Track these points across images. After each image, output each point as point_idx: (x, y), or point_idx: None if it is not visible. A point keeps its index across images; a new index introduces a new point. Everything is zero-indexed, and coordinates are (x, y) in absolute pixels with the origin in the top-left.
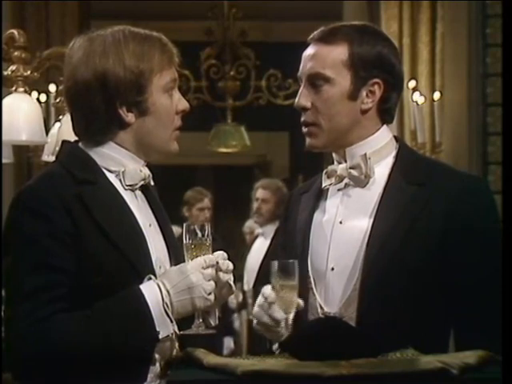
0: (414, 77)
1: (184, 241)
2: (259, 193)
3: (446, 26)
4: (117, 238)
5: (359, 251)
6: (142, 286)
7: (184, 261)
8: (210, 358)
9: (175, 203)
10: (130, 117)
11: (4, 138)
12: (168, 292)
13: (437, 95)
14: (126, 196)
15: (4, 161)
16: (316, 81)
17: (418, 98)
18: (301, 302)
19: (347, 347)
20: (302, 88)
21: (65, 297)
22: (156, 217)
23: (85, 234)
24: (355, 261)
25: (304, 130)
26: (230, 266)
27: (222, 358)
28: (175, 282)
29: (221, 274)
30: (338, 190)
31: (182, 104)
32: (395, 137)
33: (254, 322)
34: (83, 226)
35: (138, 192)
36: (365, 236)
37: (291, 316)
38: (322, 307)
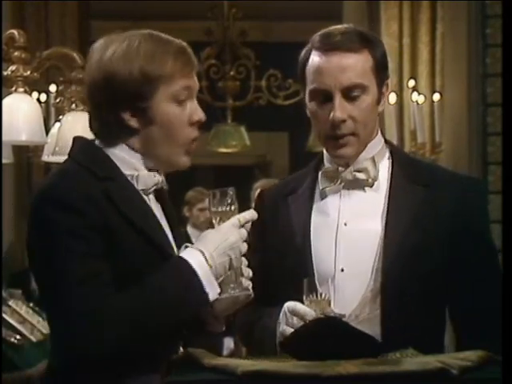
0: (413, 77)
1: (211, 208)
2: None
3: (446, 26)
4: (146, 230)
5: (372, 253)
6: (183, 255)
7: None
8: (209, 358)
9: (175, 203)
10: (133, 122)
11: (4, 138)
12: (211, 255)
13: (436, 96)
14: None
15: (4, 161)
16: (353, 91)
17: (417, 97)
18: (336, 311)
19: (347, 347)
20: (336, 101)
21: (111, 283)
22: (168, 221)
23: (112, 226)
24: (368, 263)
25: (338, 141)
26: (251, 273)
27: (222, 358)
28: (216, 243)
29: (242, 280)
30: (336, 191)
31: (198, 115)
32: (384, 138)
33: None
34: (110, 218)
35: (151, 196)
36: (378, 238)
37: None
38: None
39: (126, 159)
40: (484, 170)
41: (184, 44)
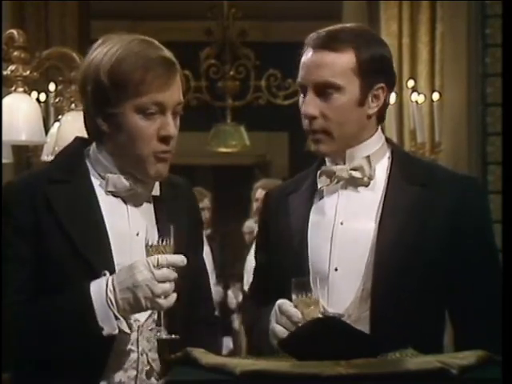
0: (413, 77)
1: (144, 242)
2: (259, 193)
3: (446, 26)
4: (76, 240)
5: (365, 253)
6: (92, 282)
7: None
8: (209, 358)
9: None
10: (105, 127)
11: (4, 138)
12: (114, 288)
13: (436, 95)
14: (106, 201)
15: (4, 161)
16: (325, 89)
17: (417, 97)
18: (330, 310)
19: (347, 347)
20: (308, 96)
21: (24, 289)
22: (159, 228)
23: (46, 232)
24: (361, 262)
25: (312, 136)
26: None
27: (221, 358)
28: (122, 278)
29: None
30: (334, 190)
31: (166, 130)
32: (386, 138)
33: (275, 342)
34: (45, 225)
35: (137, 200)
36: (371, 238)
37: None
38: (324, 308)
39: (100, 160)
40: (484, 170)
41: (167, 56)
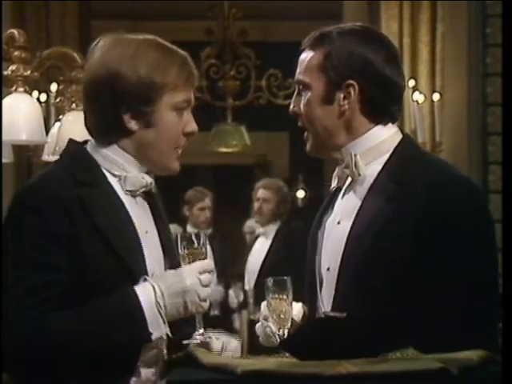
0: (414, 77)
1: (179, 250)
2: (260, 193)
3: (446, 26)
4: (113, 241)
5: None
6: (136, 287)
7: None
8: (210, 358)
9: (175, 203)
10: (132, 124)
11: (4, 137)
12: (162, 293)
13: (436, 95)
14: (126, 201)
15: (4, 161)
16: (300, 87)
17: (418, 97)
18: (296, 317)
19: (347, 347)
20: (294, 94)
21: (59, 296)
22: (156, 224)
23: (82, 235)
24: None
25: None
26: (212, 265)
27: (222, 358)
28: (170, 283)
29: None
30: (343, 190)
31: (191, 126)
32: (404, 135)
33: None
34: (81, 227)
35: (139, 198)
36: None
37: (285, 331)
38: (323, 308)
39: (117, 160)
40: (484, 170)
41: (188, 57)
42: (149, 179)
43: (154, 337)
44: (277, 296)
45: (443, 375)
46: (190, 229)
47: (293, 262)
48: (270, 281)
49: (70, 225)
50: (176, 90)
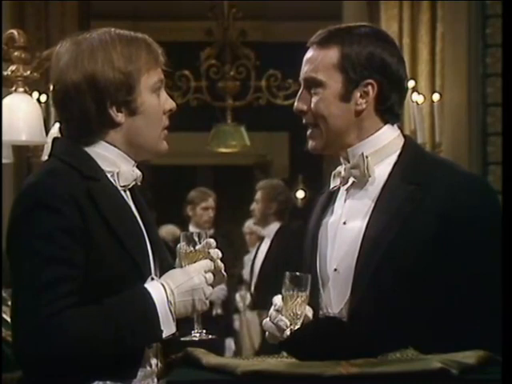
0: (413, 77)
1: (181, 248)
2: (256, 194)
3: (446, 27)
4: (122, 235)
5: (355, 252)
6: (147, 285)
7: (169, 263)
8: (209, 358)
9: (175, 203)
10: (120, 117)
11: (4, 138)
12: (172, 291)
13: (436, 96)
14: (126, 197)
15: (4, 161)
16: (311, 84)
17: (417, 97)
18: (310, 314)
19: (347, 347)
20: (300, 91)
21: (75, 291)
22: (141, 217)
23: (92, 229)
24: (353, 261)
25: (307, 132)
26: (220, 253)
27: (222, 358)
28: (179, 282)
29: (219, 262)
30: (345, 190)
31: (169, 104)
32: (405, 136)
33: (264, 326)
34: (91, 221)
35: (127, 192)
36: (360, 237)
37: (297, 326)
38: (326, 308)
39: (107, 156)
40: (484, 170)
41: (148, 38)
42: (138, 172)
43: (164, 334)
44: (292, 292)
45: (443, 375)
46: (192, 229)
47: (292, 263)
48: (287, 276)
49: (81, 219)
50: (149, 72)
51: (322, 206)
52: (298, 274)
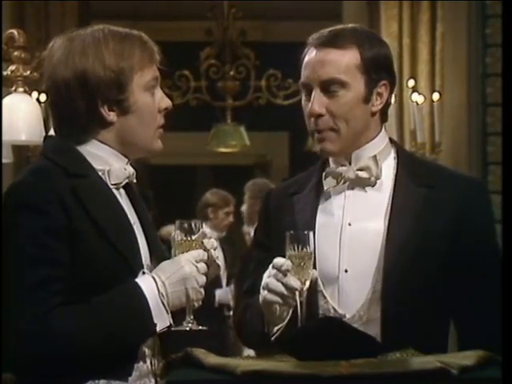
0: (413, 77)
1: (176, 237)
2: (244, 196)
3: (446, 27)
4: (110, 233)
5: (375, 254)
6: (138, 280)
7: (168, 259)
8: (209, 358)
9: (176, 203)
10: (111, 116)
11: (4, 137)
12: (163, 283)
13: (436, 95)
14: (117, 194)
15: (4, 161)
16: (331, 86)
17: (417, 97)
18: (315, 272)
19: (347, 347)
20: (313, 94)
21: (62, 291)
22: (138, 215)
23: (79, 228)
24: (372, 264)
25: (318, 135)
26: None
27: (222, 358)
28: (169, 273)
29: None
30: (340, 191)
31: (165, 102)
32: (390, 138)
33: (265, 293)
34: (77, 220)
35: (122, 190)
36: (380, 239)
37: (306, 285)
38: (335, 309)
39: (98, 155)
40: (484, 170)
41: (144, 35)
42: (131, 170)
43: (158, 328)
44: (296, 250)
45: (443, 375)
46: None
47: None
48: (287, 235)
49: (66, 218)
50: (143, 70)
51: (309, 205)
52: (300, 231)
